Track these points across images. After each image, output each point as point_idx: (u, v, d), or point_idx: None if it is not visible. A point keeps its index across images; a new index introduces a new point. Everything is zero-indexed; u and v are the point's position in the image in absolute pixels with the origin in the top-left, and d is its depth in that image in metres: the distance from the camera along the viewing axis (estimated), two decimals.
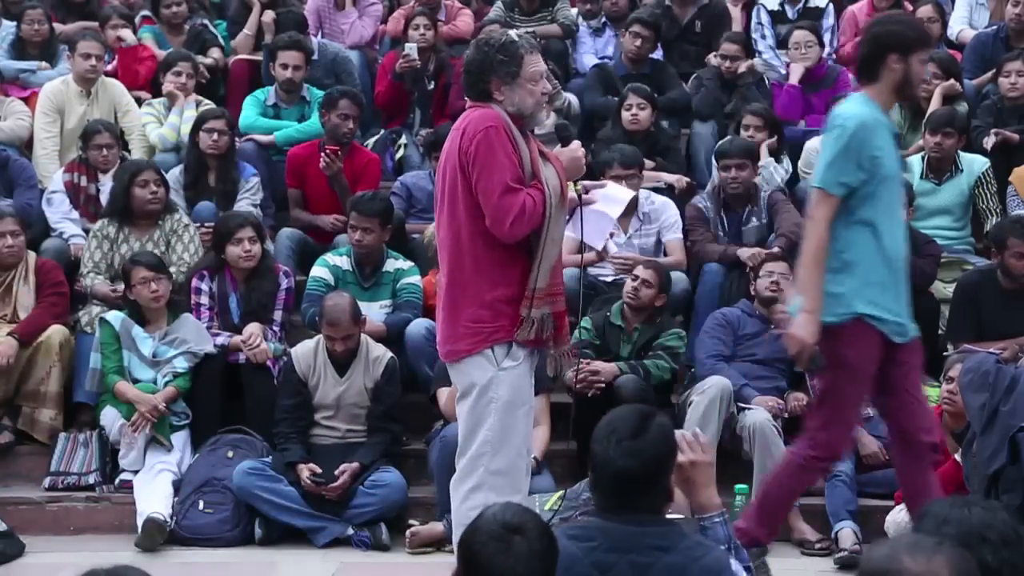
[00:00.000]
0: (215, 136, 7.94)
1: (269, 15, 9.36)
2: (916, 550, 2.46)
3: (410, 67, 8.90)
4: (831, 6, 9.70)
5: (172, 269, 7.27)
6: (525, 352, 5.03)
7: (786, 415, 6.86)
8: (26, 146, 8.49)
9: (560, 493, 6.26)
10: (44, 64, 9.15)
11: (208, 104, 8.59)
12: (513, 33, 5.17)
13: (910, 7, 9.49)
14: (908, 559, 2.43)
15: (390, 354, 6.87)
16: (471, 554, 3.08)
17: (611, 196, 5.46)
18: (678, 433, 3.63)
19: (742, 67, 8.97)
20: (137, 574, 2.71)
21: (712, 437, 6.52)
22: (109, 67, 8.96)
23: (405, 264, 7.46)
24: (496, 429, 4.95)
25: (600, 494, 3.49)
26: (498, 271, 4.93)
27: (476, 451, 4.97)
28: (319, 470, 6.55)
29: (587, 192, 5.23)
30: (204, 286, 7.27)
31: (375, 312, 7.32)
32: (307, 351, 6.83)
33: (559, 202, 4.97)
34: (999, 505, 3.11)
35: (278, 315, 7.29)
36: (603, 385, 6.69)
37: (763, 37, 9.52)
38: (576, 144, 5.25)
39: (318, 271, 7.39)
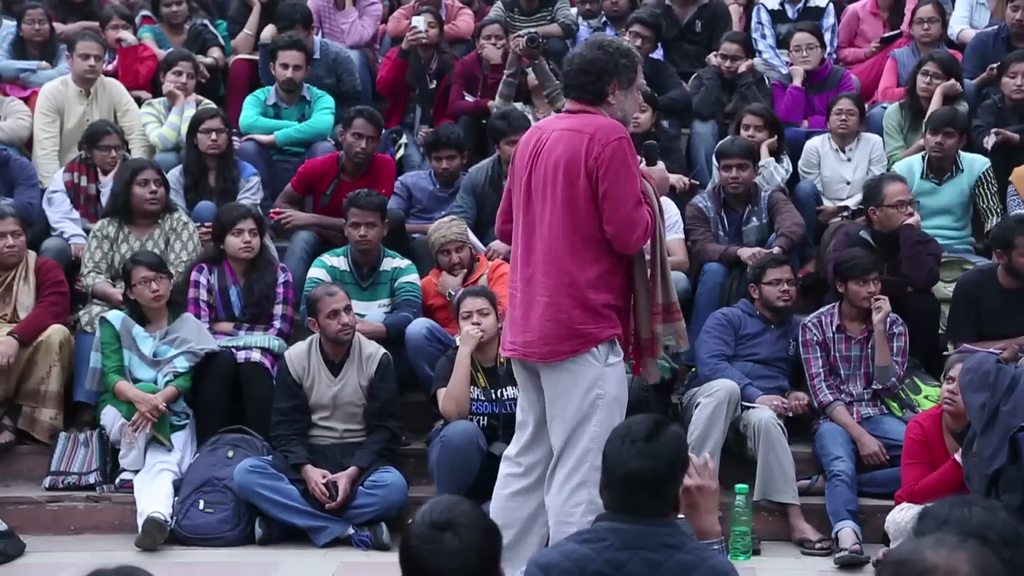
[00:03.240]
0: (213, 136, 7.94)
1: (271, 28, 9.30)
2: (939, 544, 2.48)
3: (417, 41, 8.90)
4: (831, 6, 9.70)
5: (171, 268, 7.26)
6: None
7: (790, 414, 6.86)
8: (26, 146, 8.49)
9: None
10: (44, 64, 9.15)
11: (208, 104, 8.59)
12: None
13: (911, 6, 9.50)
14: (930, 551, 2.45)
15: (383, 350, 6.87)
16: (405, 558, 3.04)
17: None
18: (692, 456, 3.67)
19: (742, 67, 8.97)
20: (143, 575, 2.70)
21: (718, 440, 6.52)
22: (109, 67, 8.96)
23: (403, 263, 7.46)
24: (604, 425, 4.98)
25: (610, 494, 3.53)
26: (605, 278, 5.02)
27: (585, 447, 5.01)
28: (330, 476, 6.56)
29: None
30: (203, 279, 7.28)
31: (374, 312, 7.33)
32: (300, 353, 6.82)
33: (660, 219, 5.13)
34: (999, 505, 3.12)
35: (279, 308, 7.30)
36: None
37: (763, 37, 9.52)
38: (662, 165, 5.41)
39: (315, 272, 7.38)
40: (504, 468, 5.30)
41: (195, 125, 8.03)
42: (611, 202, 4.92)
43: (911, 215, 7.31)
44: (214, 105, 8.49)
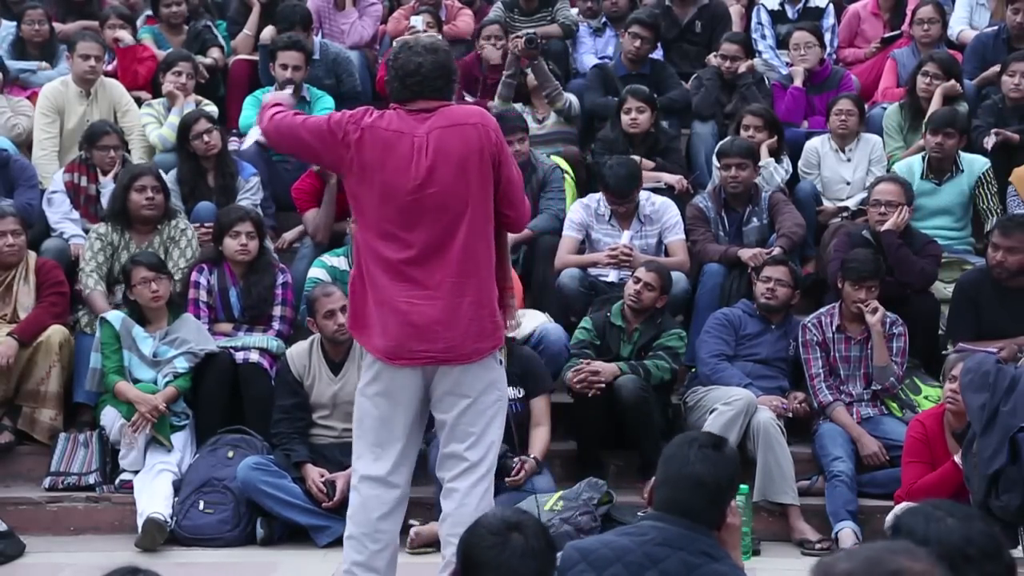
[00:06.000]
0: (206, 138, 7.93)
1: (270, 29, 9.29)
2: (911, 552, 2.40)
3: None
4: (831, 6, 9.70)
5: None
6: None
7: (790, 415, 6.85)
8: (26, 146, 8.49)
9: (560, 493, 6.26)
10: (44, 64, 9.16)
11: (208, 104, 8.59)
12: None
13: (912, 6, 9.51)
14: (907, 560, 2.37)
15: None
16: (470, 549, 3.17)
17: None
18: None
19: (742, 67, 8.96)
20: None
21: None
22: (109, 67, 8.96)
23: None
24: (502, 428, 5.02)
25: (666, 493, 3.56)
26: (499, 267, 5.00)
27: (487, 449, 4.97)
28: (328, 475, 6.56)
29: None
30: (203, 279, 7.29)
31: None
32: (301, 351, 6.83)
33: None
34: (975, 512, 3.07)
35: (278, 310, 7.30)
36: (603, 385, 6.68)
37: (763, 37, 9.52)
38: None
39: (315, 272, 7.38)
40: (372, 490, 4.99)
41: (184, 132, 7.98)
42: (512, 185, 4.91)
43: (883, 215, 7.30)
44: (194, 106, 8.41)
